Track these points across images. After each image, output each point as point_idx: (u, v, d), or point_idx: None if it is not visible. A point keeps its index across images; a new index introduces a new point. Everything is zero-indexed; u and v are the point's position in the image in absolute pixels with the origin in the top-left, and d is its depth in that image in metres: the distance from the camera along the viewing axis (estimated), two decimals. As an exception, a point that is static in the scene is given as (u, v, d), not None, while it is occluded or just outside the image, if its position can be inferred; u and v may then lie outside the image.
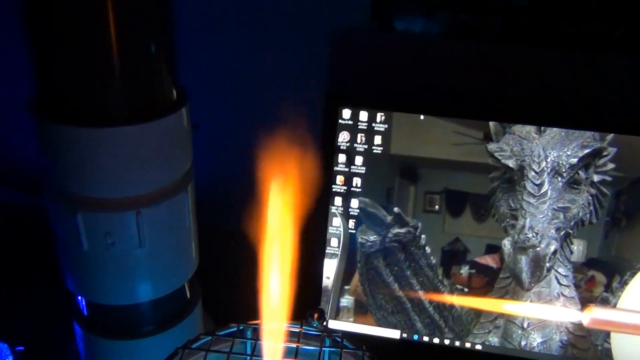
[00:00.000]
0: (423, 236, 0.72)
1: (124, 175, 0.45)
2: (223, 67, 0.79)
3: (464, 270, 0.72)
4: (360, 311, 0.74)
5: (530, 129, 0.67)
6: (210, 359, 0.31)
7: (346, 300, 0.75)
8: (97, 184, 0.45)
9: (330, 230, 0.74)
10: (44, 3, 0.40)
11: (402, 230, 0.72)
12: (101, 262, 0.48)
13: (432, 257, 0.72)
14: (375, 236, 0.73)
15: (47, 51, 0.42)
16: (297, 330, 0.34)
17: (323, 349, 0.32)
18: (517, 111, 0.68)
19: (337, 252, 0.74)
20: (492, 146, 0.68)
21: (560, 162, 0.67)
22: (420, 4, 0.71)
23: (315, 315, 0.34)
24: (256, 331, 0.34)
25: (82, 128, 0.42)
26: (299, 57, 0.75)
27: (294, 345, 0.33)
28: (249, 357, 0.31)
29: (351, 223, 0.73)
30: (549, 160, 0.67)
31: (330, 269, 0.74)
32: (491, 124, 0.68)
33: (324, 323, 0.34)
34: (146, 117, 0.43)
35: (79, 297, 0.53)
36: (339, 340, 0.33)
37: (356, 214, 0.73)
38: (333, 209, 0.73)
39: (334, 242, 0.74)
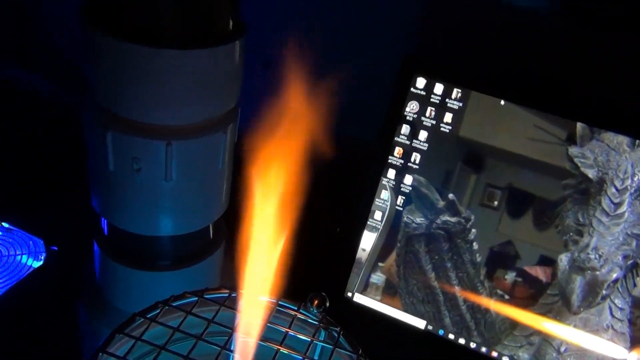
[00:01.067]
0: (473, 230, 0.66)
1: (161, 101, 0.41)
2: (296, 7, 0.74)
3: (509, 277, 0.66)
4: (390, 292, 0.70)
5: (623, 140, 0.59)
6: (191, 322, 0.28)
7: (377, 278, 0.71)
8: (132, 104, 0.42)
9: (377, 202, 0.69)
10: None
11: (453, 219, 0.67)
12: (125, 186, 0.45)
13: (477, 255, 0.66)
14: (422, 219, 0.68)
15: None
16: (292, 313, 0.30)
17: (314, 342, 0.28)
18: (612, 117, 0.59)
19: (379, 227, 0.69)
20: (574, 150, 0.61)
21: (649, 184, 0.59)
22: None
23: (316, 302, 0.30)
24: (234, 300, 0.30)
25: (130, 44, 0.39)
26: (385, 8, 0.69)
27: (283, 329, 0.29)
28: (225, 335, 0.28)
29: (400, 199, 0.68)
30: (635, 179, 0.59)
31: (368, 241, 0.70)
32: (579, 125, 0.60)
33: (324, 312, 0.30)
34: (196, 44, 0.40)
35: (104, 220, 0.52)
36: (336, 335, 0.29)
37: (407, 191, 0.68)
38: (384, 181, 0.68)
39: (377, 215, 0.69)
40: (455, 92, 0.63)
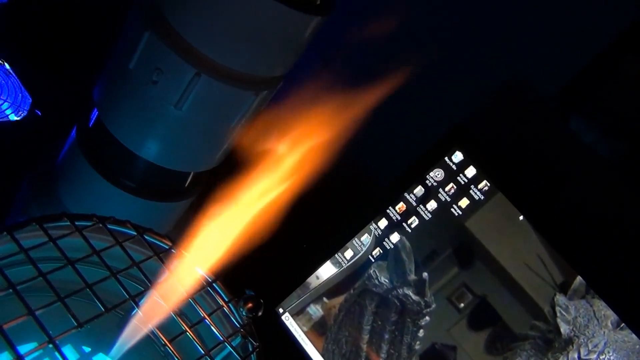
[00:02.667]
0: (427, 318, 0.63)
1: (213, 30, 0.38)
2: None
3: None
4: (318, 330, 0.67)
5: (611, 315, 0.56)
6: (115, 254, 0.25)
7: (315, 310, 0.67)
8: (183, 16, 0.39)
9: (355, 241, 0.66)
10: None
11: (414, 297, 0.63)
12: (133, 92, 0.42)
13: (418, 343, 0.63)
14: (387, 280, 0.64)
15: None
16: (220, 302, 0.27)
17: (225, 343, 0.25)
18: (613, 291, 0.56)
19: (344, 265, 0.66)
20: (560, 299, 0.58)
21: (609, 369, 0.55)
22: (618, 117, 0.61)
23: (249, 305, 0.26)
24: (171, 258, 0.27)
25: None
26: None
27: (201, 312, 0.25)
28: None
29: (377, 251, 0.65)
30: (601, 358, 0.56)
31: (325, 272, 0.67)
32: (579, 279, 0.57)
33: (252, 318, 0.26)
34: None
35: (95, 112, 0.48)
36: (250, 349, 0.26)
37: (388, 247, 0.64)
38: (372, 226, 0.65)
39: (348, 253, 0.66)
40: (484, 184, 0.61)
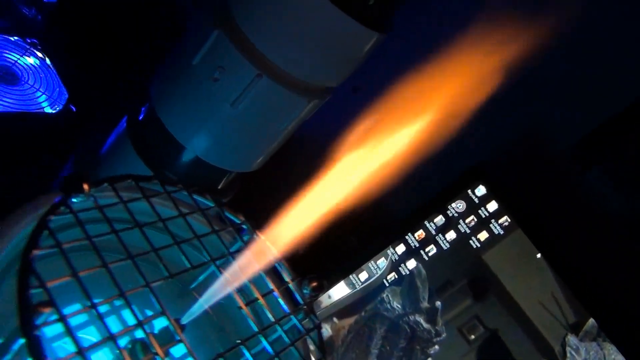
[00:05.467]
0: (436, 347, 0.63)
1: (282, 34, 0.41)
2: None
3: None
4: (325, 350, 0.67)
5: (621, 360, 0.57)
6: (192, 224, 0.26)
7: (323, 330, 0.68)
8: (253, 20, 0.41)
9: (370, 265, 0.67)
10: None
11: (425, 325, 0.64)
12: (192, 86, 0.44)
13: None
14: (399, 306, 0.65)
15: None
16: (286, 279, 0.28)
17: (292, 319, 0.26)
18: (626, 336, 0.57)
19: (357, 287, 0.67)
20: (572, 340, 0.59)
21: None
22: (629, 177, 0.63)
23: (314, 284, 0.27)
24: (249, 241, 0.28)
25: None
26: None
27: (270, 284, 0.27)
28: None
29: (392, 275, 0.66)
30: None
31: (338, 293, 0.68)
32: (591, 321, 0.58)
33: (314, 297, 0.27)
34: (345, 8, 0.39)
35: (147, 105, 0.50)
36: (315, 322, 0.27)
37: (403, 273, 0.66)
38: (389, 251, 0.67)
39: (363, 276, 0.67)
40: (504, 219, 0.62)
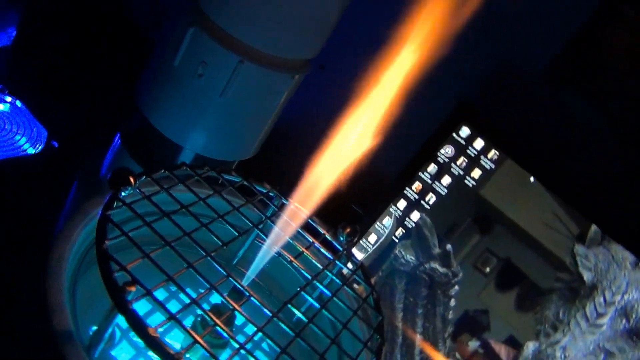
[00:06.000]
0: (456, 287, 0.66)
1: (253, 18, 0.42)
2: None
3: (473, 344, 0.66)
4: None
5: (628, 256, 0.61)
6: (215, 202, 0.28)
7: (347, 297, 0.70)
8: (224, 10, 0.43)
9: (377, 226, 0.70)
10: None
11: (441, 270, 0.67)
12: (179, 87, 0.46)
13: (451, 312, 0.66)
14: (412, 258, 0.68)
15: None
16: (322, 232, 0.30)
17: (337, 263, 0.28)
18: (626, 232, 0.61)
19: (369, 249, 0.70)
20: (579, 249, 0.62)
21: (637, 307, 0.60)
22: (603, 85, 0.66)
23: (347, 230, 0.30)
24: (283, 206, 0.31)
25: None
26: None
27: (309, 239, 0.29)
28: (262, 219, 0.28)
29: (399, 231, 0.69)
30: (625, 297, 0.60)
31: (352, 259, 0.70)
32: (593, 227, 0.62)
33: (350, 242, 0.30)
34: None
35: (137, 115, 0.51)
36: (357, 265, 0.29)
37: (410, 226, 0.68)
38: (392, 209, 0.69)
39: (372, 238, 0.70)
40: (493, 153, 0.66)
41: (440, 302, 0.67)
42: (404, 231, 0.69)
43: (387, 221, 0.69)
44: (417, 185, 0.69)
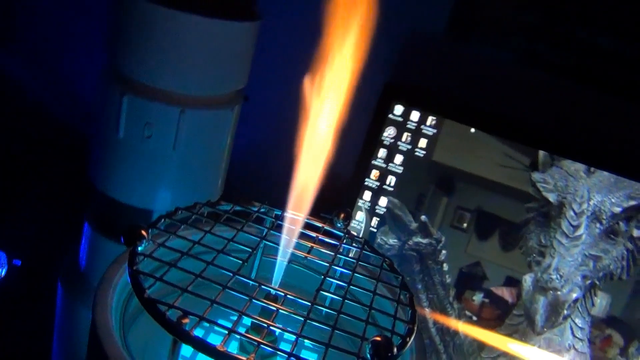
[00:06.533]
0: (444, 252, 0.70)
1: (180, 69, 0.45)
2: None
3: (477, 298, 0.70)
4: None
5: (580, 167, 0.66)
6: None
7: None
8: (151, 69, 0.45)
9: (353, 223, 0.73)
10: None
11: (424, 241, 0.71)
12: (132, 155, 0.48)
13: (447, 276, 0.70)
14: (395, 240, 0.71)
15: None
16: (319, 225, 0.33)
17: (344, 245, 0.31)
18: (569, 146, 0.67)
19: (353, 248, 0.72)
20: (536, 175, 0.67)
21: (603, 208, 0.65)
22: (499, 26, 0.72)
23: (342, 215, 0.33)
24: (277, 216, 0.33)
25: (157, 5, 0.43)
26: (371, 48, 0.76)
27: (312, 235, 0.32)
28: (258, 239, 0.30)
29: (374, 221, 0.72)
30: (591, 203, 0.65)
31: (341, 262, 0.73)
32: (541, 153, 0.67)
33: (347, 225, 0.33)
34: (221, 15, 0.44)
35: (98, 196, 0.52)
36: (361, 242, 0.32)
37: (382, 212, 0.72)
38: (360, 202, 0.72)
39: (352, 236, 0.72)
40: (430, 120, 0.70)
41: (434, 271, 0.70)
42: (378, 220, 0.72)
43: (360, 215, 0.73)
44: (374, 173, 0.72)
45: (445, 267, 0.70)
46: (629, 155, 0.68)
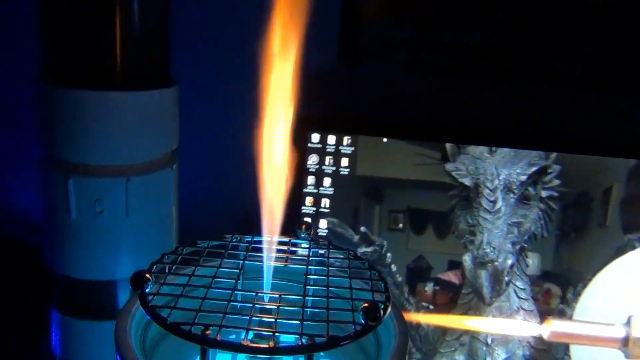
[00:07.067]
0: (388, 254, 0.76)
1: (118, 143, 0.49)
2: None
3: (429, 288, 0.77)
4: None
5: (483, 149, 0.75)
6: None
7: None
8: (91, 150, 0.49)
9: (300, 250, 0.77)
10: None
11: (369, 249, 0.77)
12: (87, 232, 0.51)
13: (397, 275, 0.76)
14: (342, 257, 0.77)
15: (56, 23, 0.48)
16: (287, 240, 0.38)
17: (312, 249, 0.36)
18: (469, 133, 0.76)
19: (306, 274, 0.77)
20: (449, 166, 0.76)
21: (511, 179, 0.74)
22: (382, 44, 0.81)
23: (303, 227, 0.38)
24: (248, 241, 0.38)
25: (82, 90, 0.47)
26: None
27: (284, 248, 0.37)
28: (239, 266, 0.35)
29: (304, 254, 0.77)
30: (501, 178, 0.75)
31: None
32: (447, 145, 0.76)
33: (309, 234, 0.38)
34: (141, 87, 0.49)
35: (61, 279, 0.54)
36: (326, 243, 0.37)
37: (325, 234, 0.77)
38: (302, 235, 0.77)
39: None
40: (346, 140, 0.77)
41: (388, 273, 0.76)
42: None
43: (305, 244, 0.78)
44: (309, 200, 0.78)
45: (394, 267, 0.77)
46: (519, 130, 0.78)
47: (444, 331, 0.76)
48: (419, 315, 0.76)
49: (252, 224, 0.49)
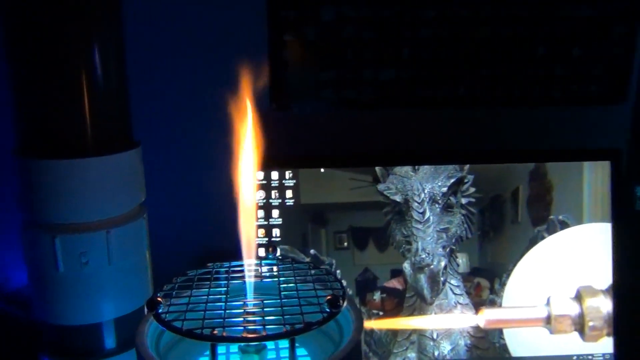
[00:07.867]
0: (338, 271, 0.87)
1: (95, 201, 0.58)
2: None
3: (377, 296, 0.87)
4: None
5: (408, 168, 0.87)
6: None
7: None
8: (73, 211, 0.57)
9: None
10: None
11: (322, 271, 0.87)
12: (74, 283, 0.58)
13: (348, 289, 0.87)
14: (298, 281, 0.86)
15: (28, 103, 0.56)
16: (258, 262, 0.48)
17: (281, 264, 0.46)
18: (394, 156, 0.88)
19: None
20: (380, 186, 0.87)
21: (435, 192, 0.87)
22: (309, 85, 0.93)
23: (270, 249, 0.48)
24: (227, 267, 0.47)
25: (59, 160, 0.55)
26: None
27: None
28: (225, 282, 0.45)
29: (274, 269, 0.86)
30: (425, 191, 0.87)
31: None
32: (377, 168, 0.87)
33: (277, 254, 0.48)
34: (110, 151, 0.58)
35: (47, 325, 0.61)
36: (290, 258, 0.47)
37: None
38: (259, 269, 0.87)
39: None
40: (287, 174, 0.88)
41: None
42: (277, 268, 0.87)
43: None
44: (261, 232, 0.87)
45: (344, 283, 0.87)
46: (436, 148, 0.91)
47: (394, 333, 0.87)
48: (371, 322, 0.87)
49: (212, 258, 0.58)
